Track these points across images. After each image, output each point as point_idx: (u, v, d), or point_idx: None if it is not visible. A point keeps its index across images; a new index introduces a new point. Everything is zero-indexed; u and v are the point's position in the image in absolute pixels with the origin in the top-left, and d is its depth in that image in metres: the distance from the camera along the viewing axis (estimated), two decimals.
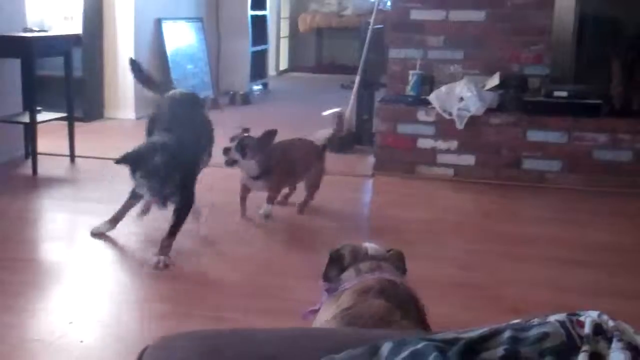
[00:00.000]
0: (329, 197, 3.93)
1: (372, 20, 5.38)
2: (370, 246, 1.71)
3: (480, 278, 2.92)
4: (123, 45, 6.14)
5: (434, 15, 4.88)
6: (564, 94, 4.43)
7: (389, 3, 5.52)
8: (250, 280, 2.83)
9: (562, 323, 0.93)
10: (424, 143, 4.56)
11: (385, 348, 0.95)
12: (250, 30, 7.80)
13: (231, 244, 3.26)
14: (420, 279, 2.92)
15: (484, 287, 2.81)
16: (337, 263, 1.66)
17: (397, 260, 1.73)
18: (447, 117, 4.45)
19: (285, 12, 10.14)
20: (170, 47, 6.66)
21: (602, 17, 4.91)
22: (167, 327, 2.37)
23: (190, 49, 7.07)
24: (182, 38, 6.96)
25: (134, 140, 5.49)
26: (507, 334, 0.92)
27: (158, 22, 6.57)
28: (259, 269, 2.96)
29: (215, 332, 1.20)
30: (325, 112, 6.80)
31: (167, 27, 6.68)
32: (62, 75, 4.73)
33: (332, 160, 4.93)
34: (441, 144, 4.53)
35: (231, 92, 7.37)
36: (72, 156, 4.69)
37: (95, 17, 6.03)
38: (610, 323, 0.93)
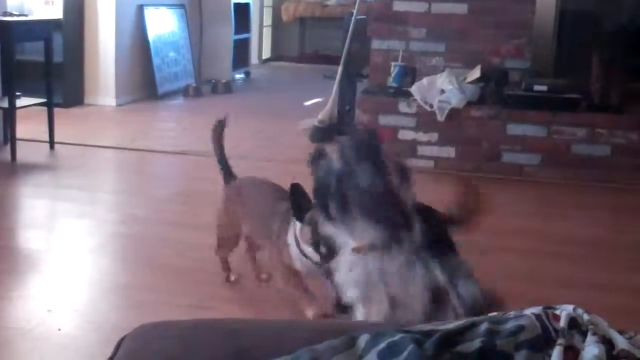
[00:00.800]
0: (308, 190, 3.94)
1: (355, 11, 5.38)
2: None
3: None
4: (104, 31, 6.09)
5: (417, 7, 4.89)
6: (543, 88, 4.46)
7: None
8: (231, 269, 2.84)
9: (537, 316, 0.94)
10: (405, 135, 4.58)
11: (363, 339, 0.96)
12: (233, 18, 7.76)
13: (211, 233, 3.25)
14: None
15: None
16: None
17: None
18: (428, 109, 4.46)
19: (268, 1, 10.09)
20: (152, 34, 6.62)
21: (582, 13, 4.96)
22: (146, 316, 2.37)
23: (172, 36, 7.03)
24: (164, 25, 6.91)
25: (115, 127, 5.52)
26: (483, 326, 0.93)
27: (140, 9, 6.52)
28: (240, 258, 2.96)
29: (194, 322, 1.20)
30: (308, 102, 6.81)
31: (149, 14, 6.63)
32: (42, 61, 4.68)
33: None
34: (422, 136, 4.55)
35: (213, 81, 7.34)
36: (52, 142, 4.65)
37: (76, 2, 5.97)
38: (585, 317, 0.95)
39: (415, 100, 4.52)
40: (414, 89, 4.55)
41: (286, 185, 2.24)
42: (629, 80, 4.54)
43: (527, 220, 3.66)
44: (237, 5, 7.87)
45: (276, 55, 10.29)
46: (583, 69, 4.55)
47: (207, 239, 3.16)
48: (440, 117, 4.42)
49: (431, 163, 4.55)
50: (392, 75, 4.80)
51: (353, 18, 5.36)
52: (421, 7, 4.89)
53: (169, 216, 3.40)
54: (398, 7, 4.93)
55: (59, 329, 2.31)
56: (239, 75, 8.25)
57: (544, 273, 2.96)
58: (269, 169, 4.41)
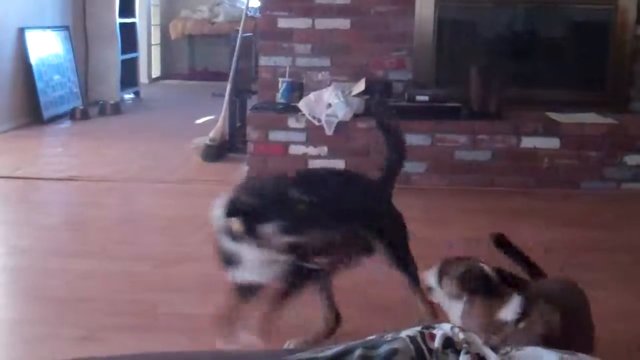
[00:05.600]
0: (204, 208, 3.93)
1: (240, 28, 5.41)
2: None
3: (348, 282, 3.00)
4: None
5: (301, 23, 4.99)
6: (425, 98, 4.62)
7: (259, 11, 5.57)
8: (119, 297, 2.80)
9: (412, 338, 0.96)
10: (295, 149, 4.63)
11: None
12: (119, 38, 7.64)
13: (100, 260, 3.20)
14: None
15: (352, 290, 2.89)
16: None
17: None
18: (316, 123, 4.54)
19: (156, 19, 9.98)
20: (34, 58, 6.43)
21: (459, 24, 5.18)
22: (35, 352, 2.32)
23: (56, 59, 6.85)
24: (47, 48, 6.73)
25: None
26: (357, 352, 0.95)
27: (21, 32, 6.33)
28: (129, 285, 2.93)
29: None
30: (199, 120, 6.78)
31: (31, 37, 6.45)
32: None
33: (206, 169, 4.94)
34: (312, 150, 4.62)
35: (101, 102, 7.19)
36: None
37: None
38: (461, 335, 0.97)
39: (304, 115, 4.59)
40: (301, 104, 4.62)
41: None
42: (505, 87, 4.76)
43: (416, 227, 3.73)
44: (123, 24, 7.75)
45: (166, 74, 10.18)
46: (462, 78, 4.74)
47: (94, 267, 3.11)
48: (329, 131, 4.51)
49: None
50: (281, 91, 4.85)
51: (239, 35, 5.39)
52: (305, 24, 4.98)
53: (56, 245, 3.32)
54: (283, 24, 5.01)
55: None
56: (128, 96, 8.12)
57: None
58: (160, 191, 4.38)
